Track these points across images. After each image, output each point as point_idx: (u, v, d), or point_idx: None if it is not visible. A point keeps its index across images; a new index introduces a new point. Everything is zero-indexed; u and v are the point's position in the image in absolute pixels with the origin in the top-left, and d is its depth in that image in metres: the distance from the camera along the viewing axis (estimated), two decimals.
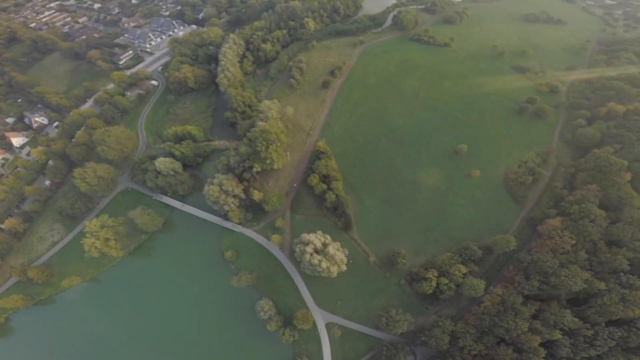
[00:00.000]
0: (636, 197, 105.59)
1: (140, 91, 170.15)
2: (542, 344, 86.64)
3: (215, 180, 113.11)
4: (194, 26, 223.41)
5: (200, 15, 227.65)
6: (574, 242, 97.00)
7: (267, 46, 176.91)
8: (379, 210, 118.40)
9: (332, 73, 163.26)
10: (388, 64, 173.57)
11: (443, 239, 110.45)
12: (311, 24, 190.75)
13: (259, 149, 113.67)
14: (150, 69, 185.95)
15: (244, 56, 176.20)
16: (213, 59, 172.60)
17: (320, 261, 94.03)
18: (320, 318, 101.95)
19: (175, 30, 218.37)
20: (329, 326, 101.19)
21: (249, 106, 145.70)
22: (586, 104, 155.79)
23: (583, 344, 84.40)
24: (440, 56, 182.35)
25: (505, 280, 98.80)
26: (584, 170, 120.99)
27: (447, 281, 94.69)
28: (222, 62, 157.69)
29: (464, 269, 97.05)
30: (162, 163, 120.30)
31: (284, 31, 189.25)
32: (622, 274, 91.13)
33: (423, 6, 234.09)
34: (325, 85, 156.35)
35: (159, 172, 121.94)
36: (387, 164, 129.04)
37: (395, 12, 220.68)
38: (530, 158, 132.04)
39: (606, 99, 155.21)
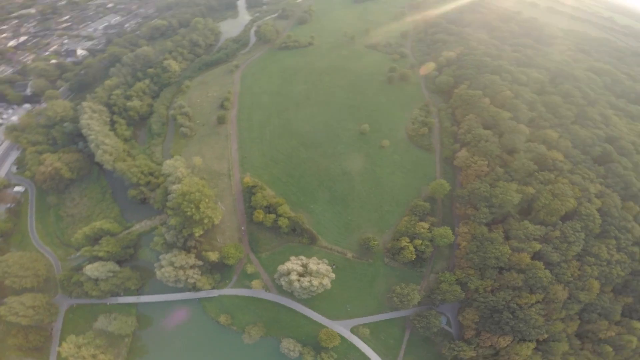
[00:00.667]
0: (502, 112, 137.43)
1: (9, 205, 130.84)
2: (532, 259, 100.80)
3: (164, 262, 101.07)
4: (27, 105, 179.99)
5: (28, 91, 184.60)
6: (486, 162, 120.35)
7: (135, 103, 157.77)
8: (330, 210, 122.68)
9: (222, 106, 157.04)
10: (271, 78, 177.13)
11: (393, 208, 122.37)
12: (174, 65, 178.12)
13: (189, 213, 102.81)
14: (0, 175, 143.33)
15: (113, 122, 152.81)
16: (77, 137, 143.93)
17: (310, 281, 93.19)
18: (342, 328, 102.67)
19: (4, 117, 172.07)
20: (354, 331, 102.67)
21: (151, 174, 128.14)
22: (429, 58, 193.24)
23: (561, 244, 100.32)
24: (310, 56, 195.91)
25: (461, 218, 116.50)
26: (458, 107, 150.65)
27: (419, 241, 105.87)
28: (92, 137, 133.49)
29: (425, 225, 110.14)
30: (95, 269, 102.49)
31: (146, 81, 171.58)
32: (536, 173, 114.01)
33: (276, 14, 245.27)
34: (221, 120, 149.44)
35: (96, 279, 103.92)
36: (315, 168, 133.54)
37: (255, 28, 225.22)
38: (416, 114, 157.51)
39: (440, 50, 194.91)
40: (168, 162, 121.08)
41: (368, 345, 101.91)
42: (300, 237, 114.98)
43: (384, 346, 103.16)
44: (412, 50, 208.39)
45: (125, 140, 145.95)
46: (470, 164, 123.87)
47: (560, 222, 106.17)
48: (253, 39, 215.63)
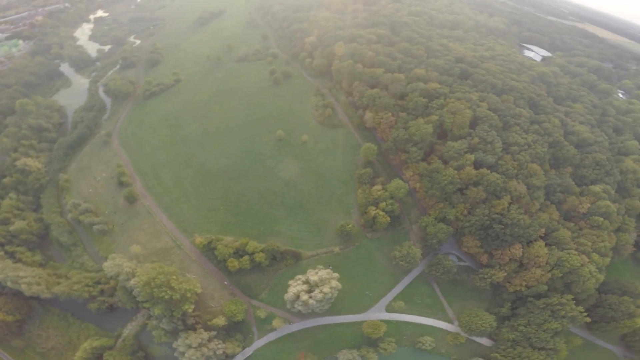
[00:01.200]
0: (375, 70, 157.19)
1: None
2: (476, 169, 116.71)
3: (182, 348, 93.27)
4: None
5: None
6: (389, 113, 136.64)
7: (19, 225, 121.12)
8: (294, 222, 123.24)
9: (121, 184, 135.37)
10: (155, 131, 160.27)
11: (345, 188, 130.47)
12: (32, 163, 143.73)
13: (166, 296, 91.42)
14: None
15: (12, 254, 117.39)
16: None
17: (321, 292, 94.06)
18: (378, 313, 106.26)
19: None
20: (390, 309, 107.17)
21: (98, 283, 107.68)
22: (296, 48, 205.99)
23: (486, 146, 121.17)
24: (185, 92, 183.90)
25: (401, 165, 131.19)
26: (342, 80, 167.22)
27: (383, 204, 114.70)
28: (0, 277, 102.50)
29: (378, 187, 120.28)
30: None
31: (12, 195, 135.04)
32: (430, 103, 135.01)
33: (118, 66, 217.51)
34: (130, 199, 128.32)
35: None
36: (256, 194, 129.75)
37: (102, 88, 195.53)
38: (315, 101, 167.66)
39: (301, 38, 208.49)
40: (107, 264, 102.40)
41: (412, 314, 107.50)
42: (284, 261, 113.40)
43: (426, 307, 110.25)
44: (280, 48, 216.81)
45: (41, 265, 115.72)
46: (379, 121, 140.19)
47: (472, 130, 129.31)
48: (108, 100, 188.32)
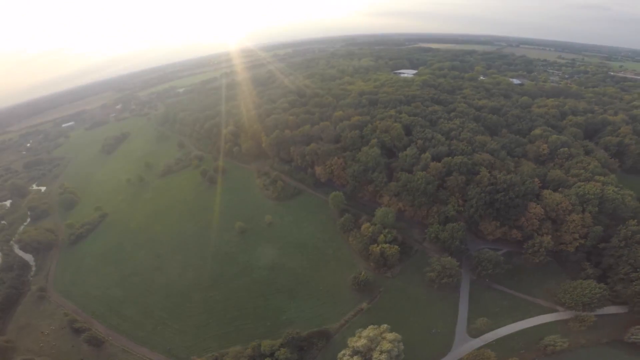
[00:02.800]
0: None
1: None
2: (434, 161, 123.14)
3: None
4: None
5: None
6: (338, 159, 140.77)
7: None
8: (302, 302, 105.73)
9: (77, 330, 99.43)
10: (97, 272, 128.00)
11: (334, 244, 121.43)
12: None
13: None
14: None
15: None
16: None
17: (384, 352, 77.29)
18: (467, 344, 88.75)
19: None
20: (474, 333, 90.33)
21: None
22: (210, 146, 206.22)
23: (421, 141, 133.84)
24: (116, 225, 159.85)
25: (369, 195, 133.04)
26: (289, 147, 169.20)
27: (382, 236, 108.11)
28: None
29: (366, 225, 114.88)
30: None
31: None
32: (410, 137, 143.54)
33: (27, 221, 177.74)
34: (94, 342, 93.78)
35: None
36: (243, 291, 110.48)
37: (18, 245, 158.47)
38: (260, 181, 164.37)
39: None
40: None
41: (505, 325, 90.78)
42: (314, 346, 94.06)
43: (511, 310, 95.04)
44: (201, 149, 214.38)
45: None
46: (330, 169, 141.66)
47: (410, 136, 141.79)
48: (28, 256, 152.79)
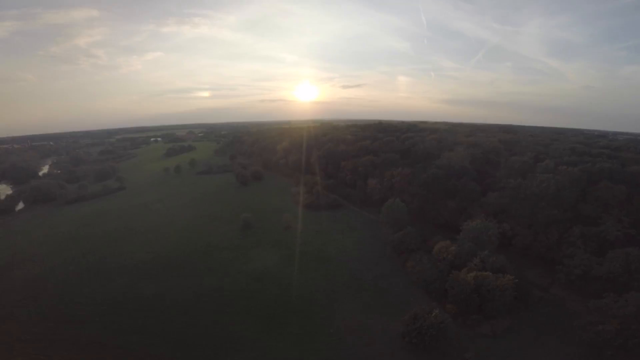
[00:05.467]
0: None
1: None
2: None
3: None
4: None
5: None
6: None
7: None
8: (282, 342, 53.02)
9: None
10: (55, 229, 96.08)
11: (378, 269, 68.91)
12: None
13: None
14: None
15: None
16: None
17: None
18: None
19: None
20: None
21: None
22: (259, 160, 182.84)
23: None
24: (122, 197, 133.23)
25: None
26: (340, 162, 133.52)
27: (477, 260, 55.55)
28: None
29: (444, 242, 62.64)
30: None
31: None
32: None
33: None
34: None
35: None
36: (191, 295, 59.88)
37: None
38: (297, 189, 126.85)
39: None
40: None
41: None
42: None
43: None
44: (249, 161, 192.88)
45: None
46: (391, 180, 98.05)
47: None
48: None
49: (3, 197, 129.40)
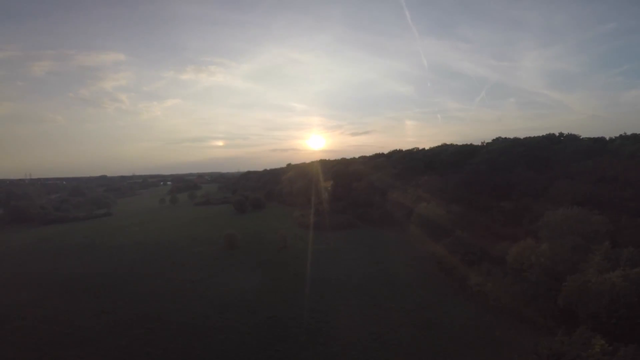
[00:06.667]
0: None
1: None
2: None
3: None
4: None
5: None
6: None
7: None
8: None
9: None
10: None
11: (421, 294, 44.36)
12: None
13: None
14: None
15: None
16: None
17: None
18: None
19: None
20: None
21: None
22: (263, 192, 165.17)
23: None
24: (104, 222, 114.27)
25: None
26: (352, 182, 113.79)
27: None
28: None
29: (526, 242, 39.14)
30: None
31: None
32: None
33: None
34: None
35: None
36: (122, 326, 38.64)
37: None
38: (301, 212, 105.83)
39: None
40: None
41: None
42: None
43: None
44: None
45: None
46: (407, 196, 76.92)
47: None
48: None
49: None
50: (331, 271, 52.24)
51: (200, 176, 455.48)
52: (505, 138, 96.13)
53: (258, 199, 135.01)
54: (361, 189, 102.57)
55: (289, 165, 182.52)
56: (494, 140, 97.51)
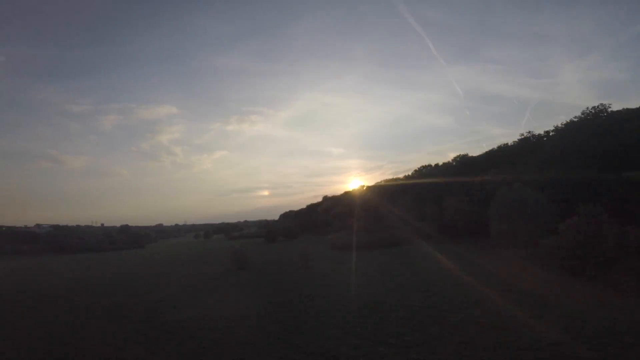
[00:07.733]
0: None
1: None
2: None
3: None
4: None
5: None
6: None
7: None
8: None
9: None
10: None
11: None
12: None
13: None
14: None
15: None
16: None
17: None
18: None
19: None
20: None
21: None
22: None
23: None
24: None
25: None
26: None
27: None
28: None
29: None
30: None
31: None
32: None
33: None
34: None
35: None
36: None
37: None
38: (335, 235, 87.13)
39: None
40: None
41: None
42: None
43: None
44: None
45: None
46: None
47: None
48: None
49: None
50: (368, 292, 32.65)
51: (246, 221, 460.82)
52: None
53: (289, 228, 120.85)
54: (403, 201, 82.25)
55: (324, 197, 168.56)
56: None
